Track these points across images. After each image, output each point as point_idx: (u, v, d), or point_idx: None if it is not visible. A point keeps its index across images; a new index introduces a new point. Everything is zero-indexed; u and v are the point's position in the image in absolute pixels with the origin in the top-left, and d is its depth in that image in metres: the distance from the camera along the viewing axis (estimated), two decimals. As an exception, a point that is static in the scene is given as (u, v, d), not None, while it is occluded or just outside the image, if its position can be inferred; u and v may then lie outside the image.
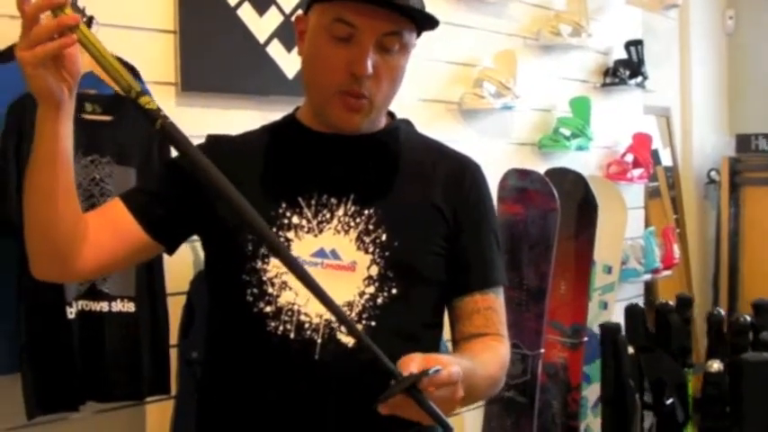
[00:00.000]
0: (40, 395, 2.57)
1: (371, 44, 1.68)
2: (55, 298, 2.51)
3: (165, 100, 2.93)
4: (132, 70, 2.70)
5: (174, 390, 2.94)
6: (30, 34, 1.47)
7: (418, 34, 1.76)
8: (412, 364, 1.46)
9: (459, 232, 1.80)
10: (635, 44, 5.10)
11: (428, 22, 1.73)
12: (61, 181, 1.61)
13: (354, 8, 1.67)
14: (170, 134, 1.56)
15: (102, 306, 2.60)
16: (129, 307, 2.69)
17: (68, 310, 2.54)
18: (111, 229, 1.74)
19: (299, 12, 1.85)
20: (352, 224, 1.72)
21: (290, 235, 1.71)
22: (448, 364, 1.49)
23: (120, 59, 2.60)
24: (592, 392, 4.57)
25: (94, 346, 2.65)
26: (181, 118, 2.75)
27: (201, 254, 2.82)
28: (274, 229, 1.71)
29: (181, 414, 3.01)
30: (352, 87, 1.68)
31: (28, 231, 1.67)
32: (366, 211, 1.73)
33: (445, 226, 1.78)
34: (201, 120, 2.94)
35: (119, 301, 2.66)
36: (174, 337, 2.94)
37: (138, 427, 3.04)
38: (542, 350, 3.98)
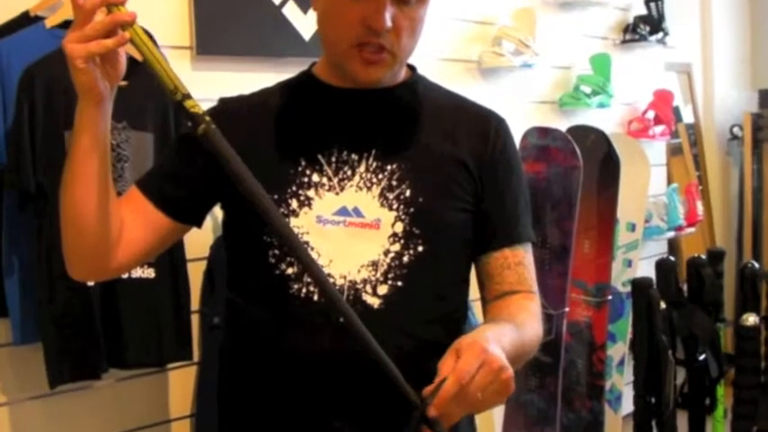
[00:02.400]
0: (62, 364, 2.57)
1: None
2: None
3: (181, 64, 2.91)
4: (147, 35, 2.67)
5: (196, 356, 2.93)
6: (84, 29, 1.44)
7: None
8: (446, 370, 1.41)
9: (485, 187, 1.75)
10: (655, 0, 5.02)
11: None
12: (100, 177, 1.58)
13: None
14: (212, 141, 1.53)
15: (122, 273, 2.57)
16: (150, 273, 2.68)
17: (88, 277, 2.52)
18: (138, 222, 1.71)
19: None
20: (375, 180, 1.68)
21: (311, 193, 1.67)
22: (466, 350, 1.42)
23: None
24: (617, 351, 4.54)
25: (115, 313, 2.64)
26: (196, 82, 2.75)
27: (221, 218, 2.83)
28: (294, 188, 1.67)
29: (204, 380, 3.01)
30: (370, 39, 1.63)
31: (66, 231, 1.64)
32: (389, 167, 1.68)
33: (471, 181, 1.73)
34: (217, 83, 2.90)
35: (138, 267, 2.64)
36: (195, 303, 2.93)
37: (161, 393, 3.04)
38: (566, 309, 3.95)
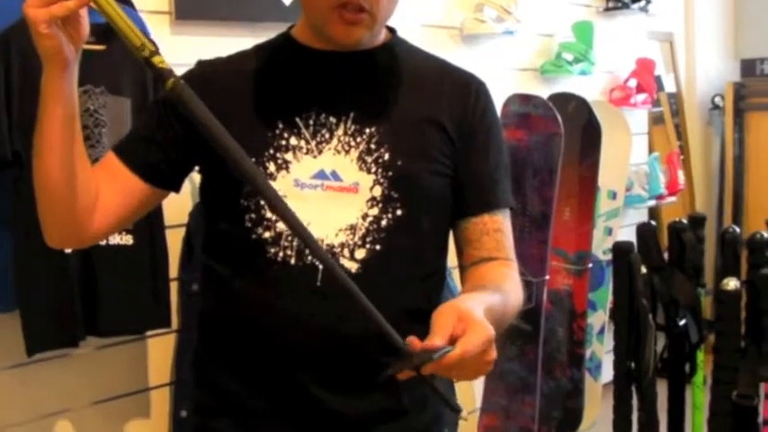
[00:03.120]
0: (40, 331, 2.55)
1: None
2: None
3: (160, 29, 2.88)
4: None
5: (175, 323, 2.91)
6: None
7: None
8: (437, 336, 1.39)
9: (464, 151, 1.74)
10: (637, -33, 5.01)
11: None
12: (71, 143, 1.56)
13: None
14: (181, 97, 1.50)
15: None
16: (128, 240, 2.66)
17: (65, 243, 2.49)
18: (114, 188, 1.68)
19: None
20: (353, 144, 1.66)
21: (288, 157, 1.65)
22: (476, 330, 1.40)
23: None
24: (597, 320, 4.56)
25: (93, 280, 2.62)
26: (175, 47, 2.74)
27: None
28: (271, 151, 1.65)
29: (183, 348, 3.00)
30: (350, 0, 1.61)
31: (40, 199, 1.62)
32: (367, 130, 1.66)
33: (450, 144, 1.72)
34: (196, 48, 2.84)
35: (116, 234, 2.61)
36: (174, 270, 2.91)
37: (141, 361, 3.03)
38: (547, 277, 3.96)
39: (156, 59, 1.49)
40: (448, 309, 1.45)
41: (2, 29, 2.43)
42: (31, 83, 2.38)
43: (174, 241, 2.91)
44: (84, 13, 1.47)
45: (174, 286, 2.91)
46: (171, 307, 2.82)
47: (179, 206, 2.84)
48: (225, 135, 1.49)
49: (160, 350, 3.04)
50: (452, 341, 1.39)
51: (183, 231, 2.96)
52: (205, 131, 1.50)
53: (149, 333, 2.91)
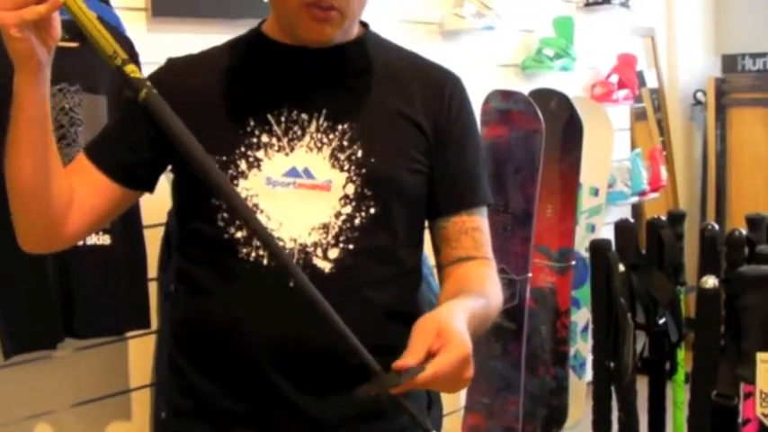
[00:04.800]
0: (16, 334, 2.52)
1: None
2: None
3: (136, 26, 2.86)
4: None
5: (155, 324, 2.89)
6: None
7: None
8: (411, 355, 1.40)
9: (440, 149, 1.72)
10: (618, -38, 5.00)
11: None
12: (44, 145, 1.54)
13: None
14: (152, 107, 1.50)
15: (77, 240, 2.52)
16: (105, 240, 2.64)
17: (41, 244, 2.47)
18: (88, 190, 1.67)
19: None
20: (326, 141, 1.64)
21: (260, 155, 1.64)
22: (452, 348, 1.40)
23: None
24: (581, 317, 4.54)
25: (71, 281, 2.60)
26: (152, 44, 2.72)
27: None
28: (242, 149, 1.64)
29: (163, 348, 2.97)
30: None
31: (13, 203, 1.60)
32: (340, 127, 1.65)
33: (424, 141, 1.70)
34: (173, 45, 2.83)
35: (93, 233, 2.59)
36: (153, 271, 2.89)
37: (121, 363, 3.02)
38: (529, 275, 3.95)
39: (128, 68, 1.50)
40: (428, 322, 1.45)
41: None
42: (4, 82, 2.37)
43: (153, 241, 2.88)
44: (55, 14, 1.45)
45: (153, 287, 2.89)
46: (150, 308, 2.80)
47: (158, 205, 2.81)
48: (196, 147, 1.50)
49: (140, 351, 3.02)
50: (430, 356, 1.40)
51: (161, 231, 2.94)
52: (176, 143, 1.50)
53: (129, 334, 2.89)
